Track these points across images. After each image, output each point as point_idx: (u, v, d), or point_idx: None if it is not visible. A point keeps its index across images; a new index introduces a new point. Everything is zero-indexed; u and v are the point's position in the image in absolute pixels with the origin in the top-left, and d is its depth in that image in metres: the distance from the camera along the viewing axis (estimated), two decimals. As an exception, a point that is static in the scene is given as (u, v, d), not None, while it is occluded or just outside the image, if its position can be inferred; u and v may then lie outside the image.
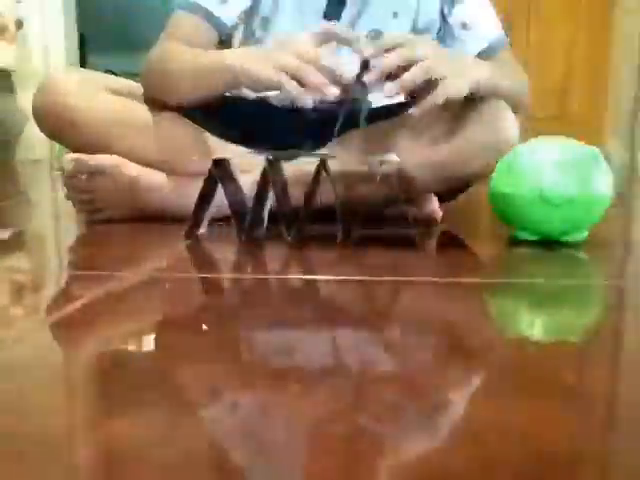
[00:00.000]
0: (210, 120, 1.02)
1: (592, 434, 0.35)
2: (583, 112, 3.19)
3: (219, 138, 1.03)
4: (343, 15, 1.05)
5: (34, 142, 2.67)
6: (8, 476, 0.29)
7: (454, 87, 0.83)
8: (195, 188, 0.88)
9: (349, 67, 0.85)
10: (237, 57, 0.90)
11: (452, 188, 1.03)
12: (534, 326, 0.56)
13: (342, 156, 0.97)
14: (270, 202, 0.87)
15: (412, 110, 0.83)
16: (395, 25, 1.06)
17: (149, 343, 0.51)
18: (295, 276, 0.74)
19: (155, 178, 1.00)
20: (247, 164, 0.94)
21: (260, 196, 0.86)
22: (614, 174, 0.86)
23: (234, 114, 1.01)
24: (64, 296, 0.63)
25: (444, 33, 1.09)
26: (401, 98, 0.92)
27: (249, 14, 1.07)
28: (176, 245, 0.84)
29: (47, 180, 2.05)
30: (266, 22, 1.06)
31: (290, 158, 0.94)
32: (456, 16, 1.07)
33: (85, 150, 0.97)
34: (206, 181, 0.86)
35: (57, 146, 2.28)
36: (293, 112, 0.96)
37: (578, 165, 0.83)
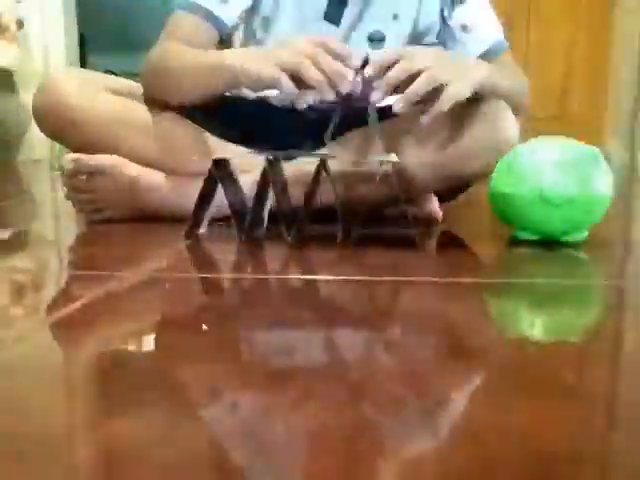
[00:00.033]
0: (210, 120, 1.02)
1: (592, 434, 0.35)
2: (583, 112, 3.19)
3: (219, 138, 1.03)
4: (344, 16, 1.05)
5: (35, 142, 2.67)
6: (8, 476, 0.29)
7: (458, 91, 0.83)
8: (195, 188, 0.88)
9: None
10: (237, 57, 0.89)
11: (452, 188, 1.03)
12: (534, 326, 0.56)
13: (342, 156, 0.97)
14: (270, 202, 0.87)
15: (422, 119, 0.83)
16: (395, 27, 1.06)
17: (149, 343, 0.51)
18: (295, 276, 0.74)
19: (155, 178, 1.00)
20: (247, 164, 0.94)
21: (260, 196, 0.86)
22: (614, 174, 0.86)
23: (234, 114, 1.01)
24: (64, 296, 0.63)
25: (444, 35, 1.09)
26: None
27: (250, 14, 1.07)
28: (176, 245, 0.84)
29: (47, 180, 2.05)
30: (267, 22, 1.06)
31: (290, 158, 0.94)
32: (456, 18, 1.07)
33: (85, 150, 0.97)
34: (206, 181, 0.86)
35: (57, 146, 2.28)
36: (293, 112, 0.96)
37: (578, 165, 0.83)
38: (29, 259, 0.83)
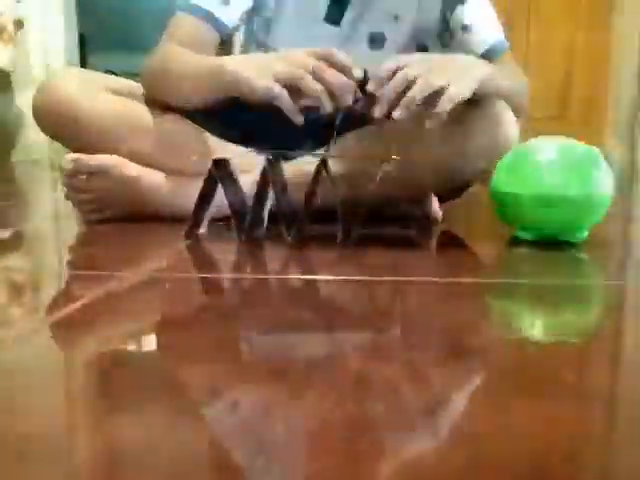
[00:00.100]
0: (210, 120, 1.02)
1: (592, 434, 0.35)
2: (583, 112, 3.19)
3: (219, 138, 1.03)
4: (344, 17, 1.05)
5: (32, 142, 2.67)
6: (8, 476, 0.29)
7: (457, 93, 0.83)
8: (195, 188, 0.88)
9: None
10: (237, 65, 0.89)
11: (452, 188, 1.03)
12: (534, 326, 0.56)
13: (342, 156, 0.97)
14: (270, 202, 0.87)
15: (426, 124, 0.83)
16: (396, 28, 1.06)
17: (149, 343, 0.51)
18: (295, 276, 0.74)
19: (155, 178, 1.00)
20: (247, 164, 0.94)
21: (260, 196, 0.86)
22: (614, 174, 0.86)
23: (234, 114, 1.01)
24: (64, 296, 0.63)
25: (445, 36, 1.09)
26: None
27: (250, 15, 1.07)
28: (176, 245, 0.84)
29: (47, 180, 2.05)
30: (268, 23, 1.06)
31: (290, 158, 0.94)
32: (457, 19, 1.07)
33: (85, 150, 0.97)
34: (206, 181, 0.86)
35: (57, 146, 2.28)
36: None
37: (578, 165, 0.83)
38: (29, 259, 0.83)
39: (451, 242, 0.96)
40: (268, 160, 0.84)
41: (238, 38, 1.20)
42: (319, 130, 0.91)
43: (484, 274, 0.75)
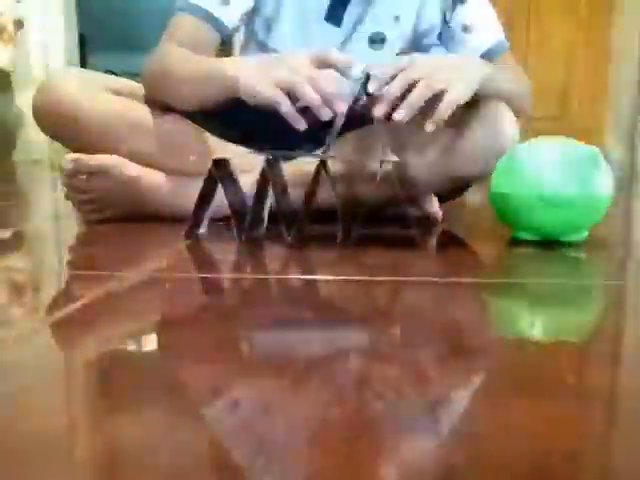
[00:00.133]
0: (210, 120, 1.02)
1: (592, 434, 0.35)
2: (583, 112, 3.19)
3: (219, 138, 1.03)
4: (345, 18, 1.05)
5: (32, 142, 2.67)
6: (8, 476, 0.29)
7: (457, 95, 0.83)
8: (195, 188, 0.88)
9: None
10: (237, 68, 0.89)
11: (452, 188, 1.03)
12: (534, 326, 0.56)
13: (342, 156, 0.97)
14: (270, 202, 0.87)
15: (426, 126, 0.83)
16: (396, 28, 1.06)
17: (149, 343, 0.51)
18: (295, 276, 0.74)
19: (155, 178, 1.00)
20: (247, 164, 0.94)
21: (260, 196, 0.86)
22: (614, 174, 0.86)
23: (234, 114, 1.01)
24: (64, 296, 0.63)
25: (445, 36, 1.09)
26: None
27: (251, 15, 1.07)
28: (176, 245, 0.84)
29: (47, 180, 2.05)
30: (268, 23, 1.06)
31: (290, 158, 0.94)
32: (457, 19, 1.07)
33: (86, 150, 0.97)
34: (206, 181, 0.86)
35: (57, 146, 2.28)
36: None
37: (578, 165, 0.83)
38: (29, 259, 0.83)
39: (451, 242, 0.96)
40: (268, 160, 0.84)
41: (238, 38, 1.20)
42: (319, 130, 0.91)
43: (484, 274, 0.75)
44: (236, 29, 1.06)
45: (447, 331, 0.53)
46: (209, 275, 0.74)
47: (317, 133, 0.90)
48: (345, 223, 0.87)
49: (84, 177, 0.97)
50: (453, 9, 1.07)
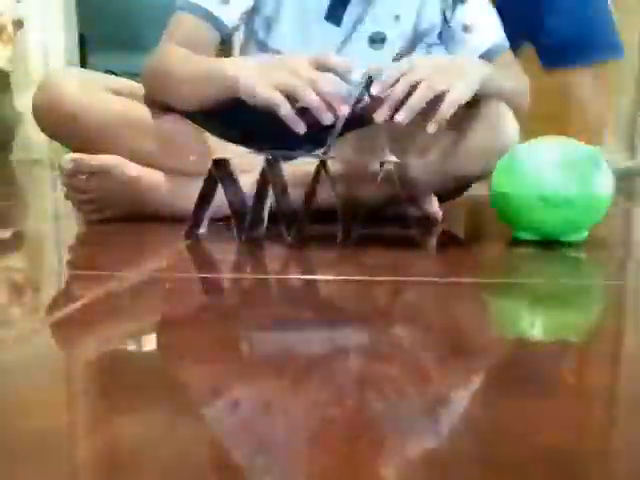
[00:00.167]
0: (210, 120, 1.02)
1: (592, 434, 0.35)
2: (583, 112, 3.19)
3: (219, 138, 1.03)
4: (345, 18, 1.04)
5: (33, 142, 2.67)
6: (8, 476, 0.29)
7: (458, 96, 0.83)
8: (195, 188, 0.88)
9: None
10: (237, 69, 0.89)
11: (452, 188, 1.03)
12: (534, 326, 0.56)
13: (342, 156, 0.97)
14: (270, 202, 0.87)
15: (427, 128, 0.83)
16: (397, 28, 1.06)
17: (149, 343, 0.51)
18: (295, 276, 0.74)
19: (155, 178, 1.00)
20: (247, 164, 0.94)
21: (260, 196, 0.86)
22: (614, 174, 0.86)
23: (234, 114, 1.01)
24: (64, 296, 0.63)
25: (445, 35, 1.08)
26: None
27: (250, 15, 1.07)
28: (176, 245, 0.84)
29: (47, 180, 2.05)
30: (268, 22, 1.06)
31: (290, 158, 0.94)
32: (458, 18, 1.07)
33: (85, 149, 0.97)
34: (206, 181, 0.86)
35: (57, 146, 2.28)
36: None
37: (578, 165, 0.83)
38: (29, 259, 0.84)
39: (451, 242, 0.96)
40: (268, 160, 0.84)
41: (238, 37, 1.20)
42: (318, 133, 0.91)
43: (484, 274, 0.75)
44: (236, 28, 1.06)
45: (447, 331, 0.53)
46: (209, 275, 0.74)
47: (317, 135, 0.90)
48: (345, 223, 0.87)
49: (84, 177, 0.97)
50: (453, 8, 1.07)
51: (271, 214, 0.86)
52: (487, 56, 1.04)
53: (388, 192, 0.90)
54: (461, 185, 1.03)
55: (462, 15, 1.07)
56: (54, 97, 0.97)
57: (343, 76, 0.85)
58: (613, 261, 0.84)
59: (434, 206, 1.07)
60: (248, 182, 0.90)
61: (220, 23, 1.02)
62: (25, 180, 2.11)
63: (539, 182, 0.82)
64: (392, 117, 0.82)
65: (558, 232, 0.85)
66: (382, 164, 0.84)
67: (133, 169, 0.98)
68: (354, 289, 0.65)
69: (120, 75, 1.09)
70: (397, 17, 1.06)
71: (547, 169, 0.82)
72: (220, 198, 0.87)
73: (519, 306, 0.61)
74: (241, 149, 1.01)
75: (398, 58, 1.04)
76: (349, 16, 1.05)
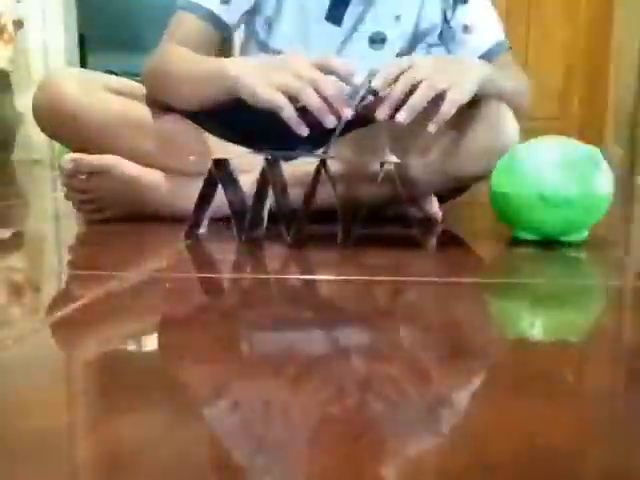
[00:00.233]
0: (210, 120, 1.02)
1: (592, 434, 0.35)
2: (583, 112, 3.19)
3: (219, 138, 1.03)
4: (346, 18, 1.04)
5: (31, 142, 2.67)
6: (8, 476, 0.29)
7: (460, 93, 0.83)
8: (195, 188, 0.88)
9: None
10: (238, 69, 0.89)
11: (453, 188, 1.03)
12: (534, 326, 0.56)
13: (342, 156, 0.97)
14: (270, 202, 0.87)
15: (429, 127, 0.83)
16: (397, 28, 1.06)
17: (149, 343, 0.51)
18: (295, 276, 0.74)
19: (155, 178, 1.00)
20: (247, 164, 0.94)
21: (260, 196, 0.86)
22: (614, 174, 0.86)
23: (234, 114, 1.01)
24: (64, 296, 0.63)
25: (446, 35, 1.08)
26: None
27: (251, 14, 1.07)
28: (176, 245, 0.84)
29: (47, 180, 2.05)
30: (269, 22, 1.06)
31: (290, 158, 0.94)
32: (458, 18, 1.07)
33: (85, 149, 0.97)
34: (206, 181, 0.86)
35: (57, 146, 2.29)
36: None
37: (578, 165, 0.83)
38: (29, 259, 0.84)
39: (451, 242, 0.96)
40: (268, 160, 0.84)
41: (238, 37, 1.20)
42: (319, 134, 0.91)
43: (484, 274, 0.75)
44: (236, 27, 1.06)
45: (447, 331, 0.53)
46: (209, 275, 0.74)
47: (318, 136, 0.90)
48: (345, 223, 0.86)
49: (84, 177, 0.97)
50: (454, 8, 1.07)
51: (271, 214, 0.86)
52: (487, 56, 1.04)
53: (388, 192, 0.90)
54: (462, 185, 1.03)
55: (463, 15, 1.07)
56: (54, 97, 0.97)
57: (344, 79, 0.85)
58: (613, 261, 0.84)
59: (434, 206, 1.07)
60: (248, 182, 0.90)
61: (221, 23, 1.02)
62: (25, 180, 2.11)
63: (539, 182, 0.82)
64: (393, 116, 0.82)
65: (558, 232, 0.85)
66: (382, 164, 0.84)
67: (133, 169, 0.98)
68: (354, 289, 0.65)
69: (120, 75, 1.09)
70: (398, 17, 1.06)
71: (547, 169, 0.82)
72: (220, 198, 0.87)
73: (519, 306, 0.61)
74: (241, 149, 1.01)
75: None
76: (349, 16, 1.05)
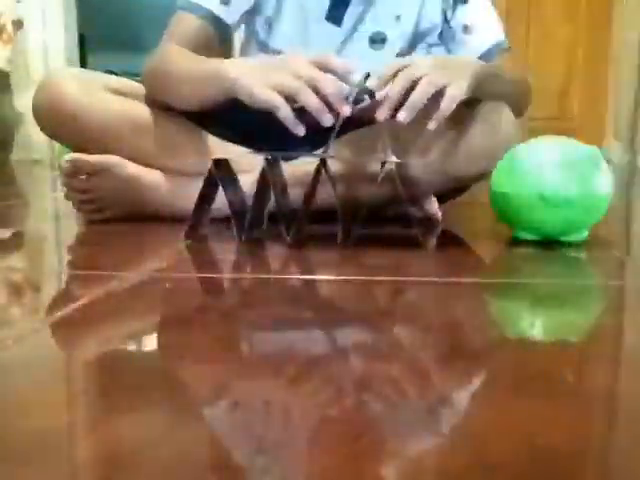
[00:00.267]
0: (210, 120, 1.02)
1: (592, 434, 0.35)
2: (583, 112, 3.19)
3: (219, 138, 1.03)
4: (346, 18, 1.04)
5: (33, 142, 2.67)
6: (8, 476, 0.29)
7: (459, 89, 0.83)
8: (195, 188, 0.88)
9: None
10: (237, 70, 0.89)
11: (453, 188, 1.03)
12: (534, 326, 0.56)
13: (342, 156, 0.97)
14: (270, 202, 0.87)
15: (429, 125, 0.83)
16: (397, 28, 1.06)
17: (149, 343, 0.51)
18: (295, 276, 0.74)
19: (155, 178, 1.00)
20: (247, 164, 0.94)
21: (260, 196, 0.86)
22: (614, 174, 0.86)
23: (234, 114, 1.01)
24: (64, 296, 0.63)
25: (446, 35, 1.08)
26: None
27: (251, 14, 1.07)
28: (176, 245, 0.84)
29: (47, 180, 2.05)
30: (269, 22, 1.06)
31: (290, 158, 0.94)
32: (458, 19, 1.07)
33: (85, 149, 0.97)
34: (206, 181, 0.86)
35: (57, 146, 2.29)
36: (293, 112, 0.96)
37: (578, 165, 0.83)
38: (29, 259, 0.83)
39: (451, 242, 0.96)
40: (268, 160, 0.84)
41: (238, 37, 1.20)
42: (317, 134, 0.91)
43: (484, 274, 0.75)
44: (236, 28, 1.06)
45: (447, 331, 0.53)
46: (209, 275, 0.74)
47: (316, 136, 0.90)
48: (345, 223, 0.86)
49: (84, 177, 0.97)
50: (454, 8, 1.07)
51: (271, 214, 0.86)
52: (487, 56, 1.04)
53: (388, 192, 0.90)
54: (461, 185, 1.03)
55: (463, 15, 1.07)
56: (54, 97, 0.97)
57: (343, 78, 0.85)
58: (613, 261, 0.84)
59: (434, 207, 1.07)
60: (248, 182, 0.90)
61: (221, 23, 1.02)
62: (25, 180, 2.11)
63: (539, 182, 0.82)
64: (393, 116, 0.82)
65: (558, 232, 0.85)
66: (383, 164, 0.84)
67: (133, 169, 0.98)
68: (354, 289, 0.65)
69: (120, 75, 1.09)
70: (398, 17, 1.06)
71: (547, 169, 0.82)
72: (220, 198, 0.87)
73: (519, 306, 0.61)
74: (241, 149, 1.01)
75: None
76: (350, 16, 1.05)
